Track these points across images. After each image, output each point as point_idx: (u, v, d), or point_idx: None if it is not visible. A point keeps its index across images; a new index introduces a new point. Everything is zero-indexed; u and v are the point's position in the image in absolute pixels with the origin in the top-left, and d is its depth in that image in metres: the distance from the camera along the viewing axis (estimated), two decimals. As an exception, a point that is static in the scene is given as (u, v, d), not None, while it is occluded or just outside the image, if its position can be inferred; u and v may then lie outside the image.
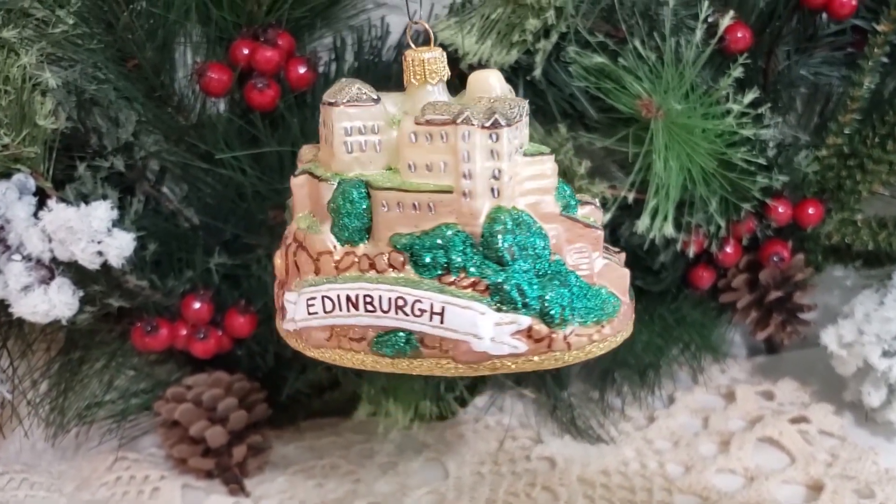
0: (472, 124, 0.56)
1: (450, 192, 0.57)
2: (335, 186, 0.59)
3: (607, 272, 0.62)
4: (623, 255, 0.65)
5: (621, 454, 0.95)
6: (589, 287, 0.60)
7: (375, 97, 0.60)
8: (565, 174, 0.85)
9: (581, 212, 0.62)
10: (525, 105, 0.60)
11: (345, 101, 0.59)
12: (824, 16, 0.92)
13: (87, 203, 0.77)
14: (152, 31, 0.84)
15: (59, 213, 0.75)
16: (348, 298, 0.58)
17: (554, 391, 0.98)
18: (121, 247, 0.76)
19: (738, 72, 0.83)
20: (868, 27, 0.90)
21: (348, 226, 0.59)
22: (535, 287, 0.58)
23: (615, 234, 0.91)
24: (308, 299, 0.60)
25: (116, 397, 0.95)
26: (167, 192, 0.92)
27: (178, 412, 0.91)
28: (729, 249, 0.93)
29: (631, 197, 0.86)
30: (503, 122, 0.56)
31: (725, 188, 0.86)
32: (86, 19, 0.81)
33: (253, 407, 0.94)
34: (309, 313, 0.60)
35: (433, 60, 0.61)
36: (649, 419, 1.00)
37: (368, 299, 0.58)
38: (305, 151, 0.65)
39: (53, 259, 0.77)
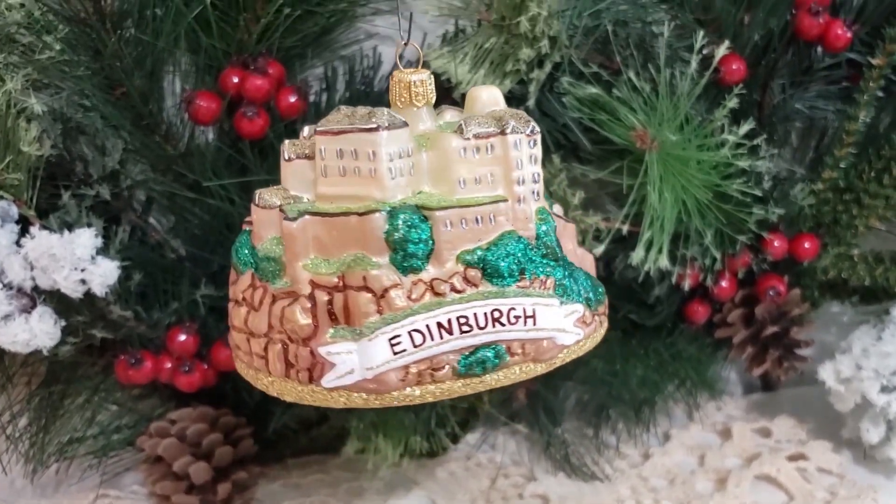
0: (521, 133, 0.58)
1: (505, 200, 0.58)
2: (387, 216, 0.56)
3: (585, 260, 0.66)
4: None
5: (616, 492, 0.93)
6: (587, 274, 0.64)
7: (403, 120, 0.58)
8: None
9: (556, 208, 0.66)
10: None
11: (385, 125, 0.57)
12: (819, 49, 0.91)
13: (70, 231, 0.75)
14: (140, 58, 0.83)
15: (41, 241, 0.73)
16: (440, 325, 0.56)
17: (547, 427, 0.96)
18: (104, 275, 0.74)
19: (733, 102, 0.82)
20: (863, 61, 0.90)
21: (416, 253, 0.56)
22: (573, 276, 0.62)
23: (609, 268, 0.89)
24: (391, 339, 0.56)
25: (98, 433, 0.93)
26: (153, 223, 0.91)
27: (162, 447, 0.88)
28: (724, 284, 0.92)
29: (625, 229, 0.85)
30: (538, 129, 0.60)
31: (721, 220, 0.85)
32: (73, 46, 0.80)
33: (238, 442, 0.92)
34: (395, 353, 0.56)
35: (419, 83, 0.60)
36: (644, 456, 0.98)
37: (463, 320, 0.57)
38: (269, 195, 0.61)
39: (35, 288, 0.75)
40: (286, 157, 0.60)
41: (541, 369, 0.60)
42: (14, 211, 0.77)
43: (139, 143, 0.86)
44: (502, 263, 0.57)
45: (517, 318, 0.58)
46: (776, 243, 0.91)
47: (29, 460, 0.91)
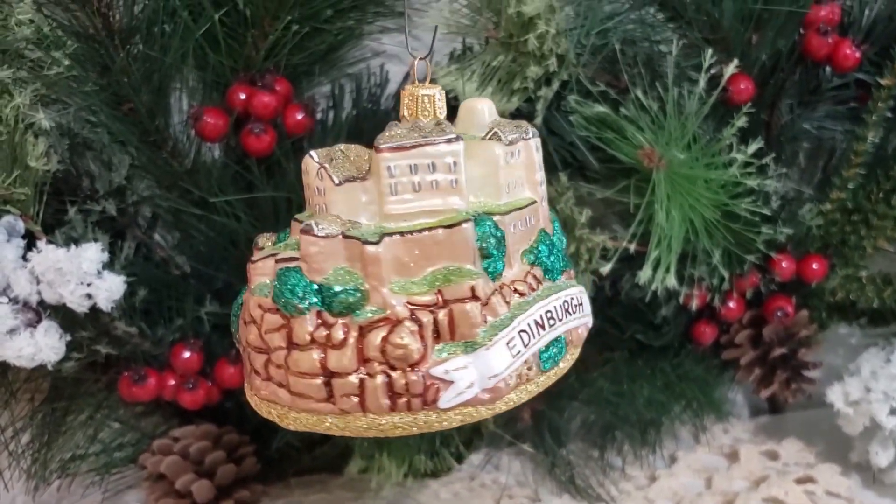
0: (536, 136, 0.61)
1: (535, 202, 0.60)
2: (473, 225, 0.55)
3: None
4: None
5: (622, 514, 0.92)
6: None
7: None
8: (566, 224, 0.83)
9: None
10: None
11: (458, 134, 0.56)
12: (827, 69, 0.91)
13: (77, 246, 0.75)
14: (148, 74, 0.83)
15: (48, 255, 0.73)
16: (537, 323, 0.57)
17: (552, 448, 0.95)
18: (110, 289, 0.74)
19: (741, 121, 0.82)
20: (871, 81, 0.90)
21: (501, 257, 0.57)
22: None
23: (615, 287, 0.89)
24: (508, 343, 0.55)
25: (100, 450, 0.92)
26: (159, 240, 0.90)
27: (165, 465, 0.88)
28: (732, 304, 0.92)
29: (633, 248, 0.84)
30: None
31: (729, 240, 0.85)
32: (81, 61, 0.80)
33: (241, 461, 0.91)
34: (513, 356, 0.56)
35: (427, 98, 0.60)
36: (651, 479, 0.97)
37: (549, 314, 0.58)
38: (326, 224, 0.56)
39: (41, 302, 0.75)
40: (336, 182, 0.57)
41: (577, 354, 0.63)
42: (20, 226, 0.77)
43: (146, 159, 0.86)
44: (549, 259, 0.60)
45: (577, 306, 0.61)
46: (784, 264, 0.90)
47: (31, 477, 0.90)
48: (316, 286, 0.55)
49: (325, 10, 0.84)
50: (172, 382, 0.86)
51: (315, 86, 0.92)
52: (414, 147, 0.55)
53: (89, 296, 0.74)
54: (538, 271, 0.59)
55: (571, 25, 0.83)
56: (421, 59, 0.62)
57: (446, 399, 0.54)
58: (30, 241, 0.77)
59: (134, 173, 0.86)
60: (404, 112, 0.61)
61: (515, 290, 0.57)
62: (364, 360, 0.54)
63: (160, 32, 0.82)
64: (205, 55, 0.84)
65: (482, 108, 0.62)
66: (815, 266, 0.92)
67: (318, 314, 0.55)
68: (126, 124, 0.84)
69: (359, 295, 0.54)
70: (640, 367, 0.94)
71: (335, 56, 0.91)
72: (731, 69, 0.83)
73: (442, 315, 0.54)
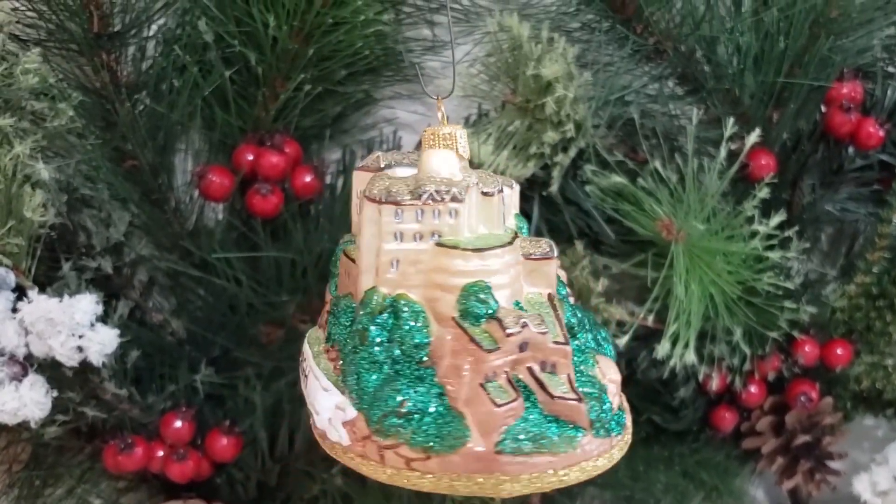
0: (367, 197, 0.54)
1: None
2: None
3: (479, 403, 0.52)
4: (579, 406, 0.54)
5: None
6: (448, 410, 0.52)
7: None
8: (581, 294, 0.80)
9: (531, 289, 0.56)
10: (452, 190, 0.54)
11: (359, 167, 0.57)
12: (850, 149, 0.89)
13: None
14: (153, 130, 0.81)
15: (39, 304, 0.69)
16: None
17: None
18: (103, 343, 0.70)
19: (764, 192, 0.79)
20: (895, 162, 0.88)
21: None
22: (374, 380, 0.52)
23: (631, 366, 0.85)
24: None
25: (80, 527, 0.87)
26: (155, 304, 0.87)
27: (148, 543, 0.82)
28: (753, 389, 0.87)
29: (650, 320, 0.80)
30: (391, 200, 0.53)
31: (750, 317, 0.81)
32: (85, 115, 0.78)
33: (230, 542, 0.86)
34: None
35: (449, 136, 0.57)
36: (666, 573, 0.91)
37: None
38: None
39: (28, 356, 0.71)
40: None
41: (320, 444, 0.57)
42: (11, 278, 0.73)
43: (146, 218, 0.83)
44: (331, 319, 0.57)
45: (303, 373, 0.58)
46: (807, 348, 0.87)
47: (5, 553, 0.85)
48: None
49: (338, 72, 0.82)
50: (161, 453, 0.81)
51: (325, 150, 0.89)
52: None
53: (80, 349, 0.70)
54: None
55: (590, 93, 0.81)
56: (443, 98, 0.60)
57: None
58: (20, 295, 0.73)
59: (132, 231, 0.83)
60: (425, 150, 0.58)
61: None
62: None
63: (168, 88, 0.81)
64: (213, 114, 0.82)
65: (432, 162, 0.57)
66: (839, 351, 0.88)
67: None
68: (128, 181, 0.82)
69: None
70: (657, 452, 0.89)
71: (347, 121, 0.90)
72: (752, 139, 0.80)
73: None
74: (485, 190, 0.55)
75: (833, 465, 0.90)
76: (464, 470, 0.51)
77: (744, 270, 0.80)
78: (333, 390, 0.53)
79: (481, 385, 0.51)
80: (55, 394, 0.73)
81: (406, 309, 0.53)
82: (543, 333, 0.52)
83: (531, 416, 0.52)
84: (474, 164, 0.60)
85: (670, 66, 0.86)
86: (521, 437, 0.51)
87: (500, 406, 0.51)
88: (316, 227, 0.83)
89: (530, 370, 0.52)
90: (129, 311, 0.83)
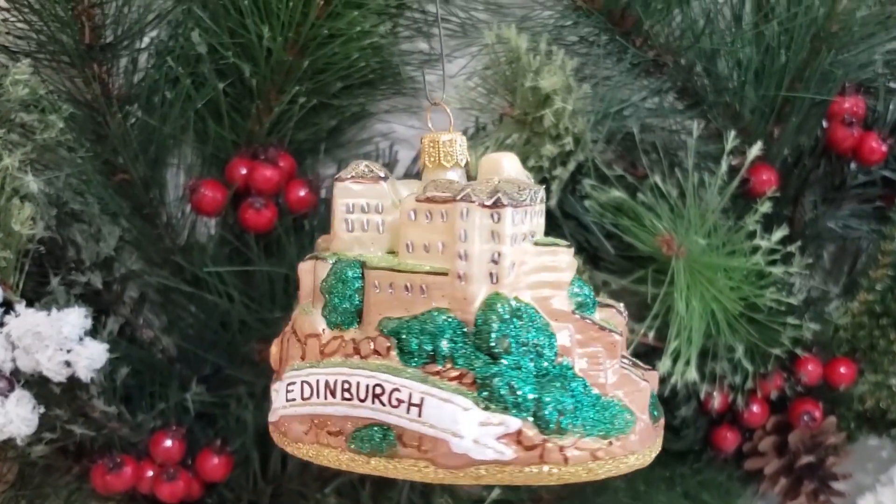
0: (472, 201, 0.51)
1: (444, 274, 0.52)
2: (330, 266, 0.54)
3: (624, 383, 0.54)
4: (655, 374, 0.58)
5: None
6: (598, 396, 0.53)
7: (383, 175, 0.55)
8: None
9: (599, 314, 0.56)
10: (540, 191, 0.54)
11: (349, 176, 0.55)
12: (852, 165, 0.88)
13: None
14: (145, 144, 0.80)
15: (26, 318, 0.68)
16: (326, 385, 0.53)
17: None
18: (91, 357, 0.68)
19: (766, 207, 0.78)
20: (898, 179, 0.87)
21: (338, 307, 0.54)
22: (530, 386, 0.51)
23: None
24: (288, 384, 0.55)
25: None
26: (145, 320, 0.85)
27: (136, 566, 0.80)
28: (755, 408, 0.86)
29: (651, 337, 0.79)
30: (506, 202, 0.51)
31: (752, 334, 0.80)
32: (75, 127, 0.77)
33: (221, 565, 0.84)
34: (287, 400, 0.55)
35: (449, 143, 0.56)
36: None
37: (346, 385, 0.52)
38: (322, 240, 0.59)
39: (15, 371, 0.69)
40: None
41: (443, 476, 0.51)
42: (-1, 292, 0.72)
43: (137, 233, 0.82)
44: (413, 340, 0.51)
45: (399, 401, 0.51)
46: (810, 367, 0.85)
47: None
48: None
49: (333, 85, 0.81)
50: (151, 473, 0.79)
51: (320, 164, 0.88)
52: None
53: (68, 363, 0.68)
54: (385, 343, 0.52)
55: (589, 107, 0.80)
56: (435, 104, 0.59)
57: (270, 413, 0.57)
58: (7, 310, 0.72)
59: (123, 246, 0.82)
60: (426, 160, 0.57)
61: (343, 348, 0.53)
62: None
63: (160, 101, 0.80)
64: (205, 127, 0.81)
65: (490, 161, 0.57)
66: (842, 370, 0.86)
67: None
68: (118, 195, 0.80)
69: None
70: (657, 472, 0.87)
71: (342, 135, 0.89)
72: (754, 152, 0.79)
73: (288, 339, 0.56)
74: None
75: (837, 486, 0.88)
76: (640, 446, 0.54)
77: (746, 286, 0.79)
78: (475, 408, 0.51)
79: (622, 367, 0.55)
80: (42, 410, 0.71)
81: (527, 311, 0.52)
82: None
83: None
84: (471, 176, 0.59)
85: (670, 79, 0.85)
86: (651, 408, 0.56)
87: (644, 381, 0.55)
88: (310, 242, 0.81)
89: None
90: (119, 328, 0.82)
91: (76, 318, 0.69)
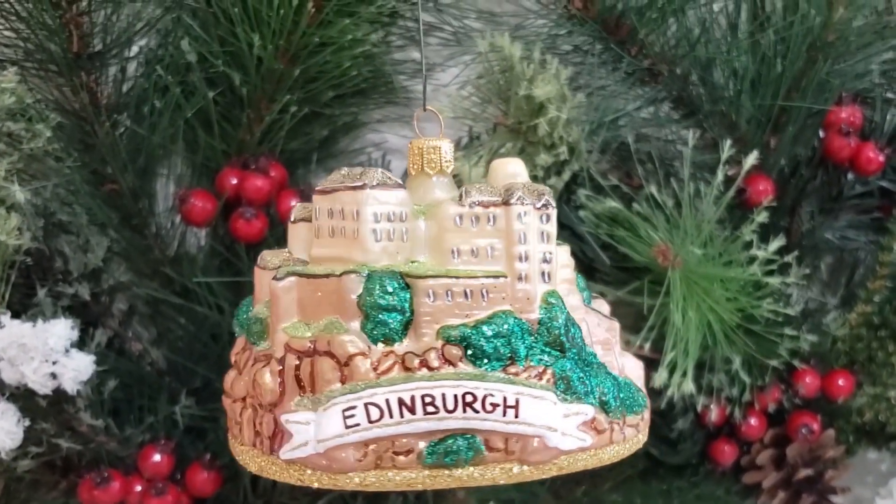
0: (528, 204, 0.52)
1: (504, 276, 0.52)
2: (364, 279, 0.51)
3: (627, 365, 0.59)
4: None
5: None
6: (618, 378, 0.57)
7: (401, 182, 0.53)
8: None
9: (594, 304, 0.59)
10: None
11: (373, 184, 0.52)
12: (849, 175, 0.87)
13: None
14: (134, 153, 0.79)
15: (12, 329, 0.67)
16: (402, 402, 0.50)
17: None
18: (78, 369, 0.67)
19: (762, 216, 0.77)
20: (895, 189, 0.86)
21: (387, 322, 0.51)
22: (588, 376, 0.54)
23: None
24: (345, 410, 0.50)
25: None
26: (134, 332, 0.84)
27: (124, 583, 0.79)
28: (753, 421, 0.85)
29: (647, 349, 0.78)
30: (553, 204, 0.53)
31: (749, 346, 0.79)
32: (63, 137, 0.76)
33: (211, 582, 0.82)
34: (347, 426, 0.50)
35: (435, 149, 0.55)
36: None
37: (428, 399, 0.50)
38: (270, 257, 0.57)
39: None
40: (291, 220, 0.57)
41: (529, 473, 0.52)
42: (-17, 304, 0.71)
43: (126, 244, 0.80)
44: (487, 344, 0.51)
45: (494, 405, 0.51)
46: (808, 379, 0.84)
47: None
48: (251, 313, 0.56)
49: (325, 94, 0.80)
50: (139, 488, 0.78)
51: (312, 174, 0.87)
52: (331, 192, 0.53)
53: (54, 375, 0.67)
54: (455, 351, 0.51)
55: (583, 116, 0.79)
56: (425, 110, 0.58)
57: (285, 450, 0.52)
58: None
59: (111, 257, 0.80)
60: (411, 167, 0.56)
61: (402, 362, 0.51)
62: (247, 391, 0.54)
63: (150, 110, 0.78)
64: (195, 136, 0.80)
65: (507, 169, 0.57)
66: (841, 382, 0.86)
67: (244, 339, 0.57)
68: (107, 206, 0.79)
69: (262, 326, 0.55)
70: (655, 486, 0.86)
71: (335, 145, 0.88)
72: (750, 161, 0.78)
73: (307, 364, 0.51)
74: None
75: (836, 499, 0.87)
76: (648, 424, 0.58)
77: (742, 297, 0.78)
78: (558, 402, 0.52)
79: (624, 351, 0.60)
80: (27, 424, 0.70)
81: (553, 300, 0.54)
82: None
83: None
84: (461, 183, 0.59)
85: (665, 89, 0.85)
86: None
87: (638, 360, 0.60)
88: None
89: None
90: (108, 340, 0.81)
91: (62, 329, 0.68)
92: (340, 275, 0.51)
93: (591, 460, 0.54)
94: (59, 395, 0.69)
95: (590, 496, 0.85)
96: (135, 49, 0.79)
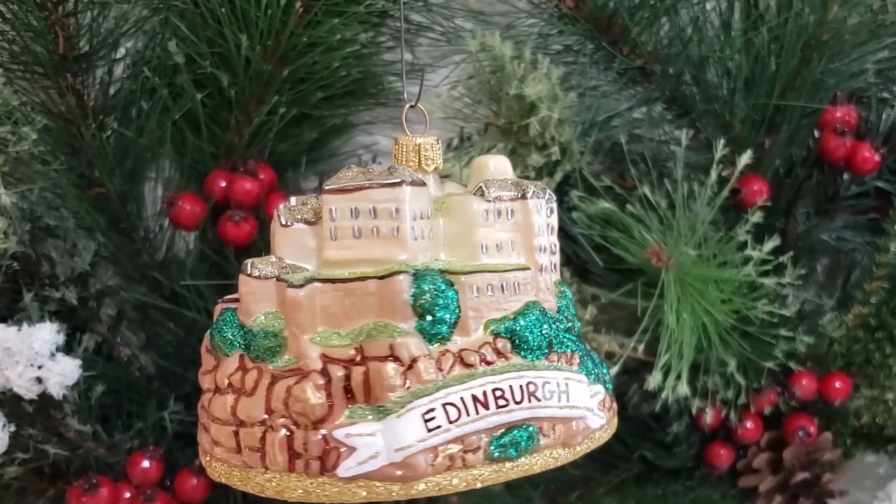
0: (542, 198, 0.54)
1: (528, 269, 0.53)
2: (413, 279, 0.50)
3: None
4: None
5: None
6: (591, 352, 0.60)
7: (423, 180, 0.53)
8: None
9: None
10: None
11: (409, 180, 0.51)
12: (845, 175, 0.86)
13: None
14: (122, 156, 0.78)
15: (-4, 334, 0.66)
16: (475, 398, 0.50)
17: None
18: (63, 374, 0.66)
19: (757, 216, 0.76)
20: (892, 189, 0.85)
21: (444, 319, 0.50)
22: (597, 358, 0.58)
23: (621, 400, 0.81)
24: (424, 414, 0.49)
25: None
26: (123, 337, 0.83)
27: (112, 591, 0.78)
28: (749, 424, 0.84)
29: (640, 349, 0.77)
30: (555, 198, 0.56)
31: (744, 347, 0.78)
32: (49, 140, 0.75)
33: (201, 590, 0.81)
34: (429, 430, 0.49)
35: (427, 146, 0.55)
36: None
37: (499, 393, 0.50)
38: (263, 264, 0.54)
39: (-17, 388, 0.68)
40: (283, 223, 0.54)
41: (568, 456, 0.54)
42: (-33, 309, 0.70)
43: (113, 248, 0.79)
44: (531, 335, 0.52)
45: (552, 392, 0.52)
46: (804, 381, 0.83)
47: None
48: (244, 329, 0.52)
49: (314, 95, 0.79)
50: (128, 495, 0.77)
51: (301, 176, 0.86)
52: (356, 190, 0.51)
53: (39, 380, 0.66)
54: (504, 344, 0.51)
55: (575, 116, 0.78)
56: (411, 105, 0.57)
57: (346, 467, 0.49)
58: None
59: (99, 261, 0.80)
60: (403, 164, 0.56)
61: (461, 360, 0.50)
62: (270, 411, 0.50)
63: (137, 112, 0.78)
64: (184, 139, 0.79)
65: (490, 165, 0.57)
66: (837, 384, 0.85)
67: (241, 357, 0.52)
68: (94, 209, 0.78)
69: (277, 340, 0.51)
70: (650, 490, 0.85)
71: (324, 147, 0.87)
72: (744, 160, 0.77)
73: (357, 373, 0.49)
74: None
75: (833, 503, 0.86)
76: None
77: (737, 298, 0.77)
78: (585, 380, 0.55)
79: None
80: (13, 429, 0.69)
81: (562, 287, 0.57)
82: None
83: None
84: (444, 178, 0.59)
85: (658, 88, 0.84)
86: None
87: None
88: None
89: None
90: (96, 345, 0.80)
91: (47, 333, 0.67)
92: (384, 276, 0.50)
93: (600, 439, 0.56)
94: (45, 400, 0.68)
95: (584, 500, 0.84)
96: (122, 51, 0.78)
